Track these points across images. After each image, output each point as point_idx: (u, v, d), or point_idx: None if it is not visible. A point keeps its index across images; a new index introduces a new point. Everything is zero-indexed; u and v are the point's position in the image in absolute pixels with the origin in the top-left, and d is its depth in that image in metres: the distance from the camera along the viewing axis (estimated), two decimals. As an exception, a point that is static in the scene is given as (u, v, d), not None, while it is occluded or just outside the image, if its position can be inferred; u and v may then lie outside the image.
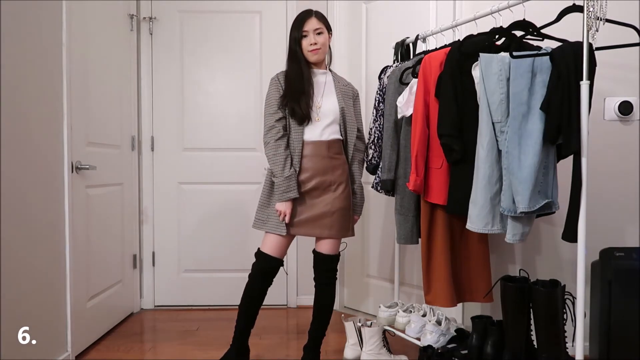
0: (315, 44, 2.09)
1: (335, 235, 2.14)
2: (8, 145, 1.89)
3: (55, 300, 2.24)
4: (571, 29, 1.75)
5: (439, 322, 2.21)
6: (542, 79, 1.68)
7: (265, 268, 2.16)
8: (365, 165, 2.43)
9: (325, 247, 2.15)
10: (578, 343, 1.63)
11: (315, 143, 2.11)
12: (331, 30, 2.19)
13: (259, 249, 2.19)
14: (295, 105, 2.06)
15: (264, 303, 3.25)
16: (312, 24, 2.09)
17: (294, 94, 2.07)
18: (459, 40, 2.05)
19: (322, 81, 2.17)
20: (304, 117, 2.07)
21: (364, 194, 2.34)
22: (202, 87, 3.31)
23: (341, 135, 2.19)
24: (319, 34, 2.10)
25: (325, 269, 2.18)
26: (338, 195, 2.13)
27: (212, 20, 3.28)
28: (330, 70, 2.26)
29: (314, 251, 2.20)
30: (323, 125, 2.12)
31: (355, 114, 2.26)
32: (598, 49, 1.68)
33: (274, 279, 2.21)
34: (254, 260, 3.43)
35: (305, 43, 2.10)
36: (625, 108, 2.29)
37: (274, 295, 3.28)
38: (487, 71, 1.75)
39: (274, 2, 3.27)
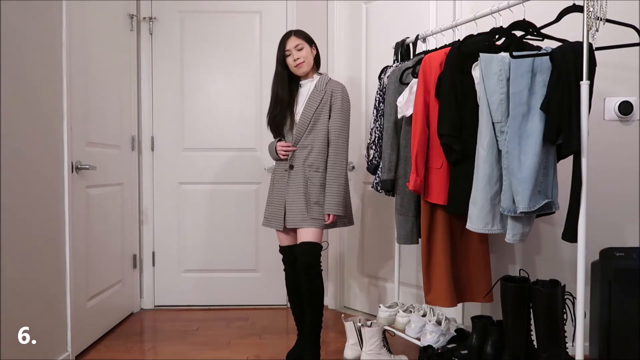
0: (298, 58, 2.23)
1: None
2: (8, 145, 1.89)
3: (55, 300, 2.24)
4: (571, 29, 1.75)
5: (439, 322, 2.21)
6: (542, 79, 1.68)
7: (286, 259, 2.37)
8: (366, 165, 2.48)
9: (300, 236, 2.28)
10: (578, 343, 1.63)
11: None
12: (313, 43, 2.31)
13: (279, 245, 2.40)
14: (272, 129, 2.34)
15: (264, 303, 3.30)
16: (292, 42, 2.25)
17: (271, 119, 2.31)
18: (459, 40, 2.05)
19: (306, 90, 2.30)
20: (277, 135, 2.36)
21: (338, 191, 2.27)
22: (202, 87, 3.31)
23: (311, 140, 2.25)
24: (299, 49, 2.24)
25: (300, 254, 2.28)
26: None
27: (212, 20, 3.28)
28: (320, 74, 2.33)
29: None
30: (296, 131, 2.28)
31: (332, 117, 2.24)
32: (598, 49, 1.68)
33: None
34: (253, 259, 3.39)
35: (290, 60, 2.25)
36: (625, 108, 2.29)
37: (274, 295, 3.29)
38: (487, 71, 1.75)
39: (274, 2, 3.27)
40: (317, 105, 2.24)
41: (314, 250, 2.20)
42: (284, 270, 2.38)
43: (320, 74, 2.33)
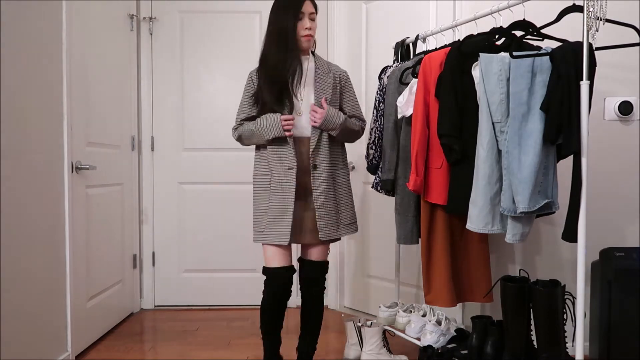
0: (310, 29, 1.91)
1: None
2: (8, 145, 1.89)
3: (55, 300, 2.24)
4: (571, 29, 1.75)
5: (439, 322, 2.21)
6: (542, 79, 1.68)
7: (277, 287, 1.95)
8: (366, 165, 2.46)
9: (314, 254, 2.01)
10: (578, 343, 1.63)
11: (298, 138, 1.95)
12: (317, 11, 2.00)
13: (264, 266, 1.97)
14: (267, 99, 1.91)
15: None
16: (308, 7, 1.91)
17: (270, 84, 1.91)
18: (459, 40, 2.05)
19: (304, 69, 1.97)
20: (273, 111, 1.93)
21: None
22: (202, 87, 3.31)
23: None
24: (312, 19, 1.93)
25: (315, 278, 2.03)
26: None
27: (212, 20, 3.28)
28: (313, 54, 2.05)
29: (300, 259, 2.06)
30: (305, 119, 1.95)
31: (347, 101, 2.06)
32: (598, 49, 1.68)
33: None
34: (253, 259, 3.28)
35: (300, 28, 1.90)
36: (625, 108, 2.29)
37: (274, 295, 3.29)
38: (487, 71, 1.75)
39: (274, 2, 3.27)
40: (331, 92, 1.97)
41: (324, 269, 2.04)
42: (264, 298, 1.96)
43: (313, 52, 2.05)
